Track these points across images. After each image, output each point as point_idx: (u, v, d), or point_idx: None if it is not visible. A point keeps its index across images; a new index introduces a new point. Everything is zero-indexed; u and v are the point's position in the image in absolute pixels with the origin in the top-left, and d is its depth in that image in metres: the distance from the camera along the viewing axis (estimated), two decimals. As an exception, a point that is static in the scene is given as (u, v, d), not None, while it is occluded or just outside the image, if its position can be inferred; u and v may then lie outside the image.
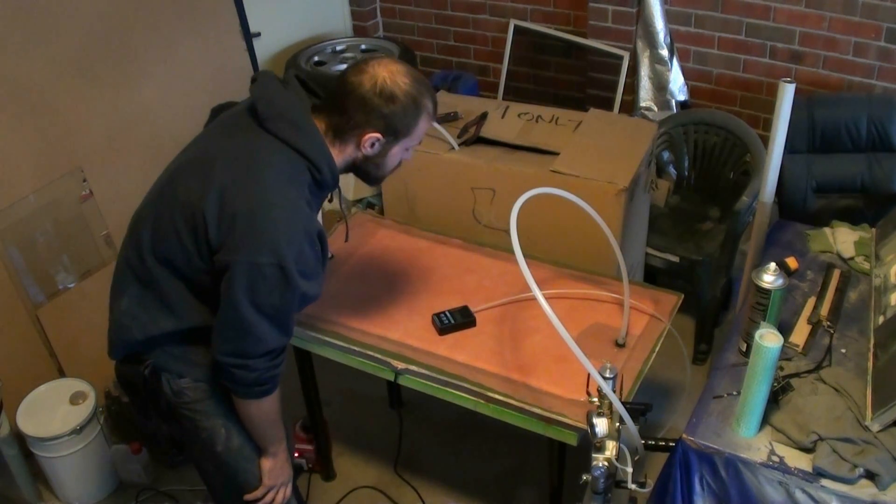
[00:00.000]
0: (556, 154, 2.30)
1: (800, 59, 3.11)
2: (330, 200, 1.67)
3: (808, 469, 1.49)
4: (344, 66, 3.36)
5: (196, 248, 1.48)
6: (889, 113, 2.59)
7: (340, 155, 1.56)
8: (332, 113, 1.53)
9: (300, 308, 1.55)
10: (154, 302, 1.56)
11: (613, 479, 1.44)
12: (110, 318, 1.64)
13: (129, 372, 1.65)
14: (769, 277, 1.64)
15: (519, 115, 2.50)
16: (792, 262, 1.99)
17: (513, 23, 3.62)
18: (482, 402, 1.77)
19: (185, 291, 1.55)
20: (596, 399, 1.45)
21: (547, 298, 1.42)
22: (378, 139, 1.53)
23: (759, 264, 1.81)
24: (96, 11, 2.47)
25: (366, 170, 1.61)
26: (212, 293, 1.50)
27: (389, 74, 1.48)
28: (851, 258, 2.01)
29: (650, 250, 2.74)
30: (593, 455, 1.41)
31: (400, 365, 1.84)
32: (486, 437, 2.60)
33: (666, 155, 3.00)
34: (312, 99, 1.60)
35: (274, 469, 1.73)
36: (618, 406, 1.39)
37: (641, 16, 3.16)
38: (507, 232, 1.50)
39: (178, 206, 1.49)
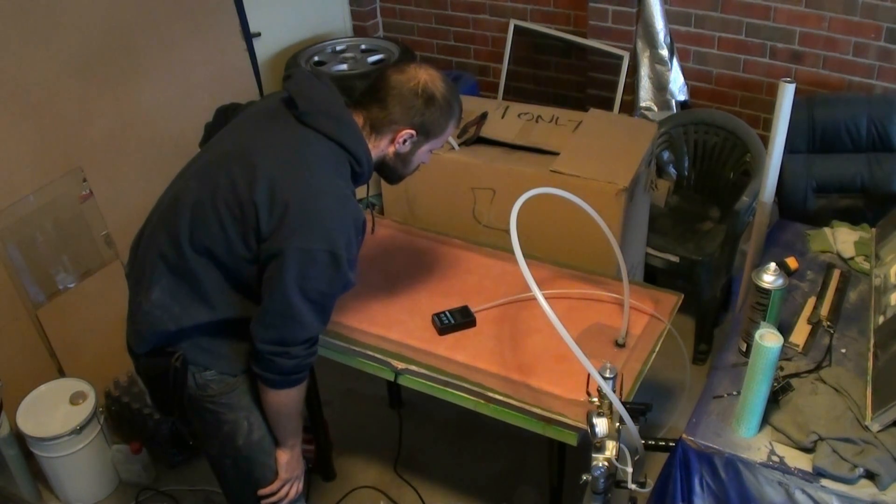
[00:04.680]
0: (556, 154, 2.30)
1: (800, 59, 3.11)
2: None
3: (808, 469, 1.49)
4: (344, 66, 3.38)
5: (242, 237, 1.50)
6: (889, 113, 2.59)
7: (374, 149, 1.62)
8: (372, 108, 1.59)
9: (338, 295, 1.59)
10: (188, 293, 1.57)
11: (613, 479, 1.44)
12: (134, 312, 1.63)
13: (155, 365, 1.64)
14: (769, 277, 1.64)
15: (519, 115, 2.50)
16: (792, 262, 1.99)
17: (513, 23, 3.62)
18: (482, 402, 1.77)
19: (222, 282, 1.56)
20: (596, 399, 1.45)
21: (547, 298, 1.42)
22: (412, 136, 1.60)
23: (759, 264, 1.81)
24: (96, 12, 2.47)
25: (393, 166, 1.67)
26: (250, 283, 1.54)
27: (429, 78, 1.58)
28: (851, 258, 2.01)
29: (650, 250, 2.73)
30: (593, 455, 1.41)
31: (400, 365, 1.84)
32: (486, 437, 2.60)
33: (666, 155, 3.00)
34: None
35: (290, 462, 1.76)
36: (618, 406, 1.39)
37: (641, 16, 3.16)
38: (507, 232, 1.51)
39: (221, 197, 1.51)
